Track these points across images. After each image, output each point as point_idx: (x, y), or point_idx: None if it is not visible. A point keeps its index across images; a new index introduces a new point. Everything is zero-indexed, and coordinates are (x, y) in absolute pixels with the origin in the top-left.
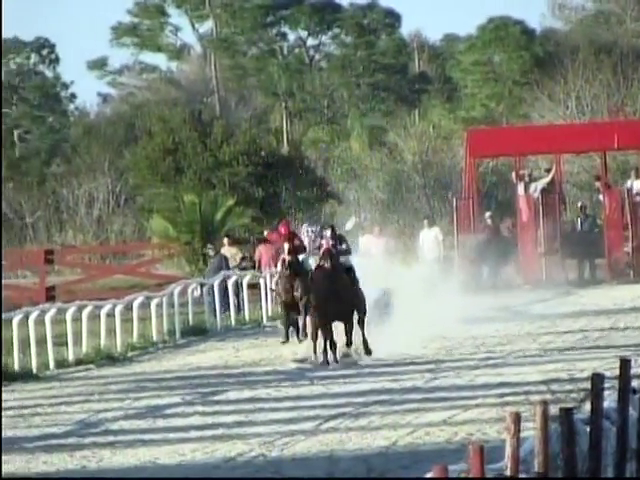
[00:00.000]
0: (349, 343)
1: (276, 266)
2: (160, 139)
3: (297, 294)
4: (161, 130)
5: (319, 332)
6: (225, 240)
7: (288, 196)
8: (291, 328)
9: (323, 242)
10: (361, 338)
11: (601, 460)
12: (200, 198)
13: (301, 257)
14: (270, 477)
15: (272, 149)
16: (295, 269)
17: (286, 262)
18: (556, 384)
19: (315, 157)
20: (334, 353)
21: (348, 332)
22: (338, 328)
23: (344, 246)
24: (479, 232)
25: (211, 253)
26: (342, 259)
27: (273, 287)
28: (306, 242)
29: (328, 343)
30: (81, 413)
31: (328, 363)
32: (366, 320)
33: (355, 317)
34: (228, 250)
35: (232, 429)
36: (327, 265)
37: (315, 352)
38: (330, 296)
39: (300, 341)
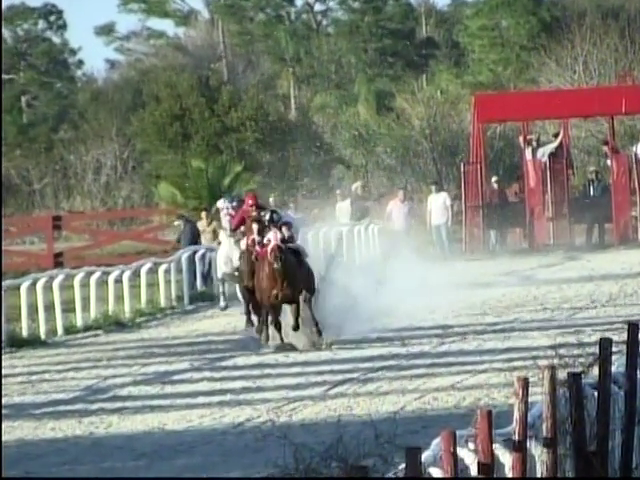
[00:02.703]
0: (296, 327)
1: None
2: (167, 105)
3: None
4: (168, 96)
5: (265, 314)
6: (203, 214)
7: (295, 161)
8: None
9: (270, 236)
10: (311, 320)
11: (609, 424)
12: (207, 164)
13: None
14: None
15: (279, 115)
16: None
17: (255, 243)
18: (564, 349)
19: (322, 122)
20: (279, 333)
21: (295, 317)
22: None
23: (287, 234)
24: (486, 197)
25: (182, 227)
26: (290, 241)
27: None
28: (225, 221)
29: (273, 325)
30: (89, 379)
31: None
32: (313, 300)
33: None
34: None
35: (240, 395)
36: (276, 266)
37: (258, 330)
38: (276, 282)
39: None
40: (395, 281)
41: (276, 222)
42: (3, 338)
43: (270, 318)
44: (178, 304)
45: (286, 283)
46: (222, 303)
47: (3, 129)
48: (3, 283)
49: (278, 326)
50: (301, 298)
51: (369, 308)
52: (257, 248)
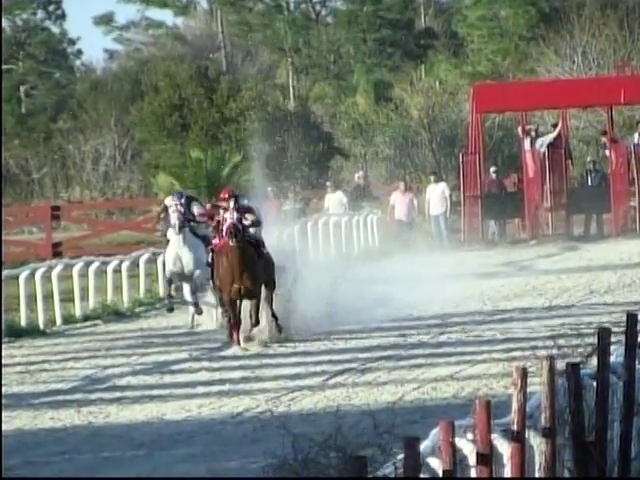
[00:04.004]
0: (256, 323)
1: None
2: (166, 95)
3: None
4: (167, 86)
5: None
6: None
7: (295, 152)
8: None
9: (227, 215)
10: (270, 316)
11: (608, 415)
12: (206, 154)
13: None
14: None
15: (278, 105)
16: None
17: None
18: (563, 339)
19: (321, 112)
20: (237, 334)
21: (254, 312)
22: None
23: (250, 218)
24: (485, 187)
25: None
26: (251, 231)
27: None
28: (174, 217)
29: (232, 322)
30: (88, 369)
31: (238, 342)
32: (274, 296)
33: (263, 294)
34: None
35: (239, 385)
36: (232, 243)
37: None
38: (235, 274)
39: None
40: (394, 271)
41: (240, 208)
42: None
43: (231, 319)
44: (177, 294)
45: (245, 274)
46: (167, 302)
47: (2, 119)
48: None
49: (237, 326)
50: (262, 296)
51: (369, 298)
52: (215, 241)
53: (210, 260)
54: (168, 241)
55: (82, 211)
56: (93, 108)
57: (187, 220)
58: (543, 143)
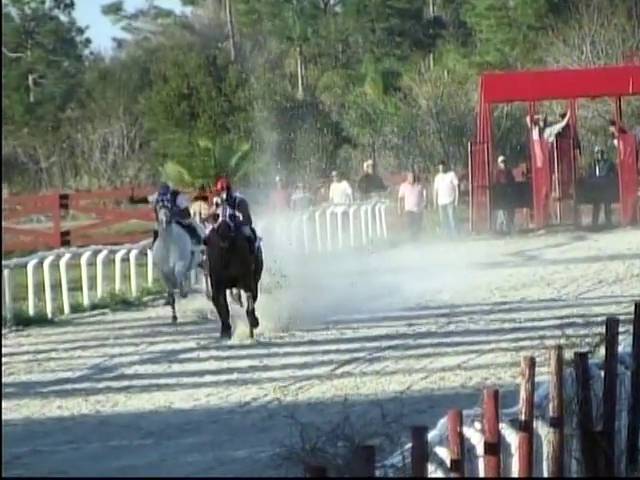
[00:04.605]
0: (254, 323)
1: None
2: (175, 84)
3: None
4: (176, 75)
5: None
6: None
7: (303, 141)
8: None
9: (219, 211)
10: (249, 308)
11: (615, 405)
12: (214, 143)
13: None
14: None
15: (287, 94)
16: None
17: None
18: (571, 329)
19: (330, 102)
20: (227, 316)
21: (252, 312)
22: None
23: (242, 214)
24: (493, 177)
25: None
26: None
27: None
28: (162, 214)
29: (222, 311)
30: (96, 357)
31: (229, 332)
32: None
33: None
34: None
35: (247, 374)
36: (223, 244)
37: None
38: (225, 265)
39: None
40: (402, 261)
41: (231, 201)
42: (10, 316)
43: (219, 305)
44: (184, 282)
45: (236, 264)
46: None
47: (10, 108)
48: (10, 262)
49: (225, 313)
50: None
51: (377, 288)
52: (209, 234)
53: (205, 255)
54: (156, 232)
55: (90, 200)
56: (101, 97)
57: (174, 213)
58: (551, 133)
